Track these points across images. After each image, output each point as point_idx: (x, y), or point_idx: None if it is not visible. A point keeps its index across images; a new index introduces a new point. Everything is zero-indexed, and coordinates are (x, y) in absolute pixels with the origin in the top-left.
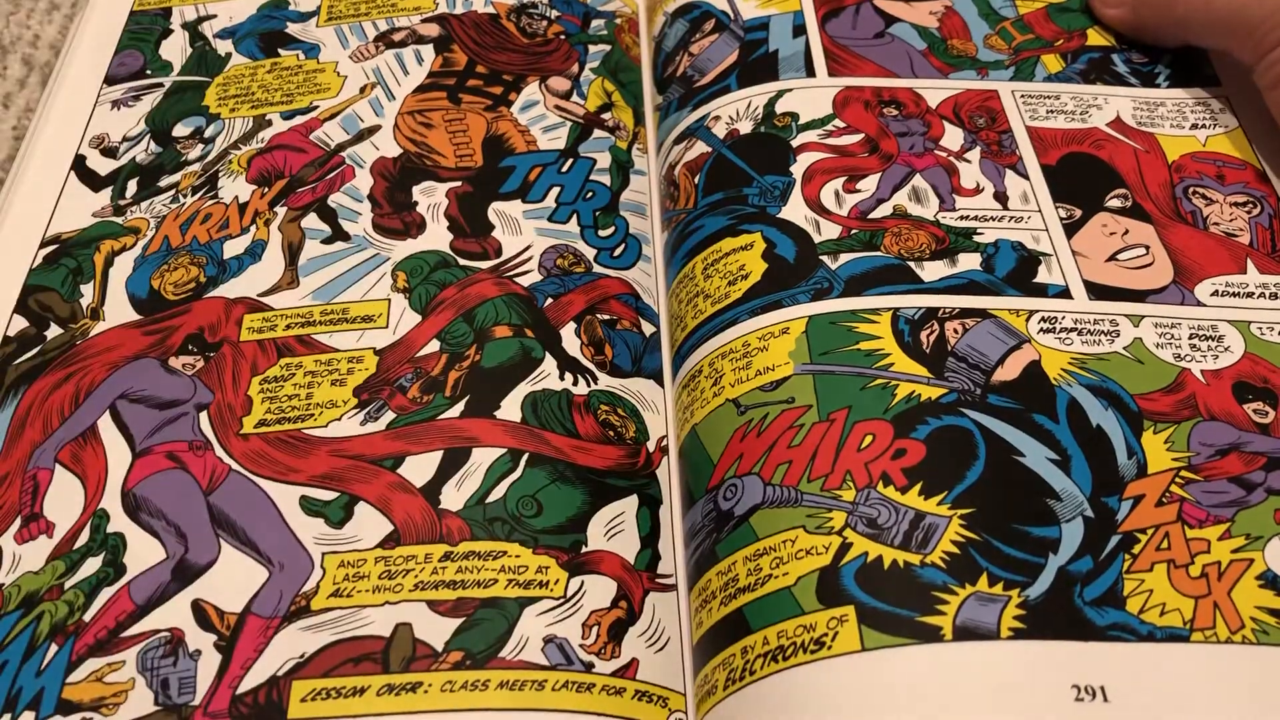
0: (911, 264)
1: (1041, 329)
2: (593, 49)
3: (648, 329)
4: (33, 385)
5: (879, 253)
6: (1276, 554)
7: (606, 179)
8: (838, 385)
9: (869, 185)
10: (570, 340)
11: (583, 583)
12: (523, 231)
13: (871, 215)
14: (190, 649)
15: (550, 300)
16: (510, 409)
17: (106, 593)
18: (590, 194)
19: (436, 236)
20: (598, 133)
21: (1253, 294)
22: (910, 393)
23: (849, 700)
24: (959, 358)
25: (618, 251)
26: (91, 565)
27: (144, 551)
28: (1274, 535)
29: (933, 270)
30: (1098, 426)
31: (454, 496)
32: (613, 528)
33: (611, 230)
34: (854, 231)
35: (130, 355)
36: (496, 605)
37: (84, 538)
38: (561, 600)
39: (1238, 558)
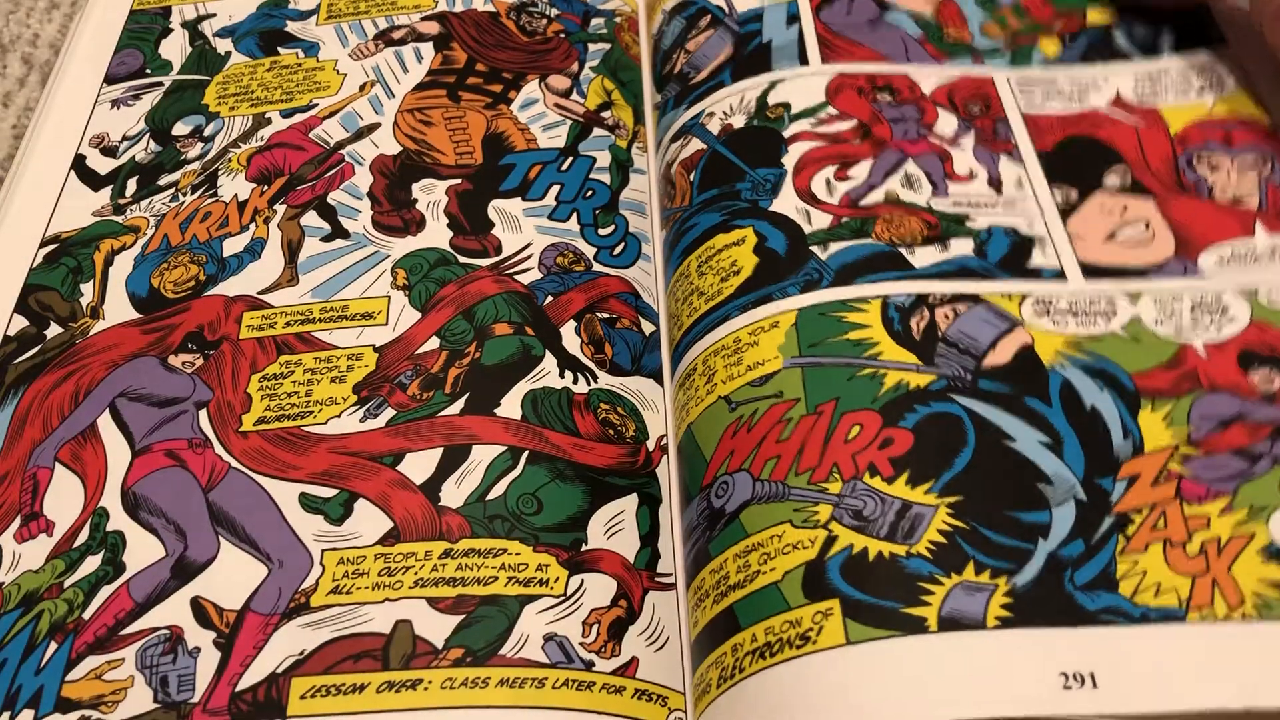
0: (902, 250)
1: (1035, 312)
2: (592, 47)
3: (647, 328)
4: (33, 384)
5: (869, 240)
6: (1272, 511)
7: (606, 177)
8: (826, 377)
9: (861, 172)
10: (570, 338)
11: (583, 581)
12: (522, 229)
13: (863, 202)
14: (189, 646)
15: (550, 298)
16: (510, 407)
17: (106, 591)
18: (590, 192)
19: (436, 234)
20: (597, 131)
21: (1260, 257)
22: (899, 381)
23: (833, 695)
24: (950, 343)
25: (617, 250)
26: (91, 563)
27: (143, 549)
28: (1270, 493)
29: (924, 256)
30: (1092, 408)
31: (454, 494)
32: (613, 526)
33: (611, 229)
34: (844, 220)
35: (130, 354)
36: (496, 603)
37: (83, 536)
38: (561, 598)
39: (1239, 532)
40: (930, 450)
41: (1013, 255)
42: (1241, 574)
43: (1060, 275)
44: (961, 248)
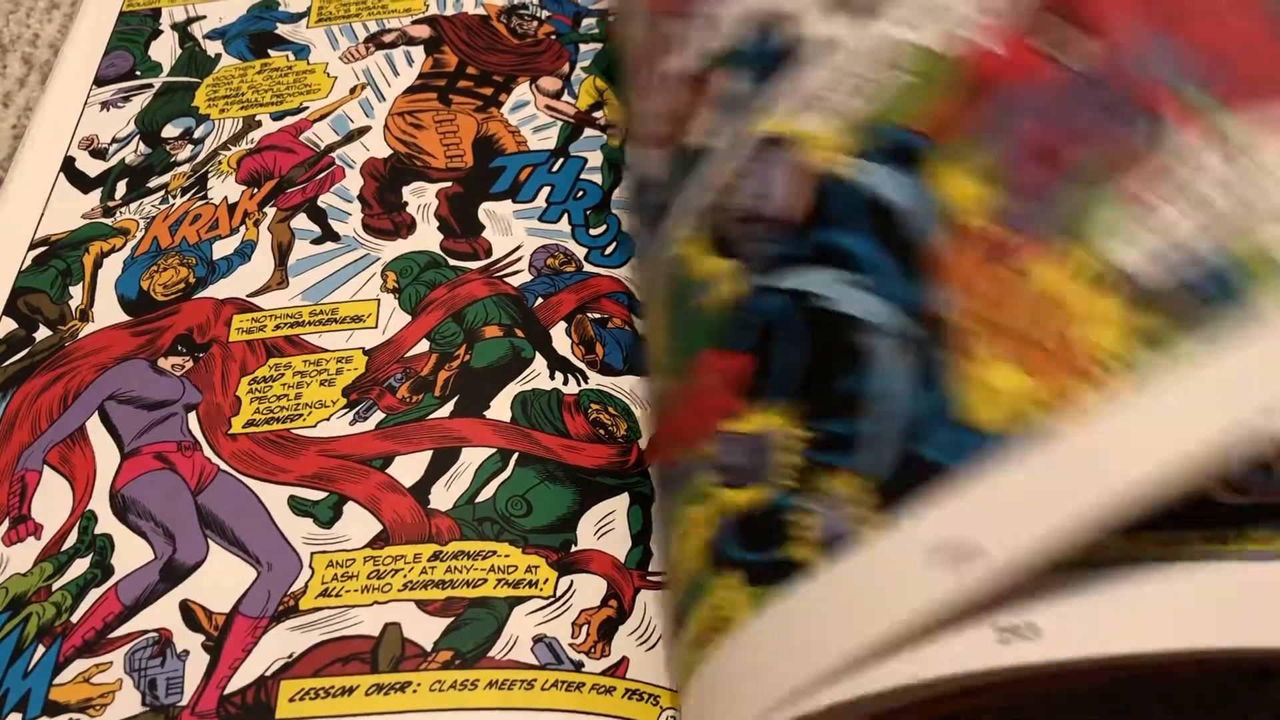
0: (687, 141)
1: (810, 115)
2: (585, 48)
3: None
4: (21, 387)
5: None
6: (1120, 241)
7: (598, 178)
8: (683, 334)
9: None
10: (560, 340)
11: (572, 582)
12: (513, 231)
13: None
14: (178, 649)
15: (540, 300)
16: (500, 409)
17: (94, 594)
18: (581, 193)
19: (426, 237)
20: (589, 132)
21: None
22: (723, 299)
23: (747, 677)
24: (750, 221)
25: (609, 250)
26: (79, 566)
27: (132, 552)
28: (1112, 218)
29: (699, 127)
30: (893, 206)
31: (443, 496)
32: (603, 526)
33: (603, 229)
34: (671, 153)
35: (119, 356)
36: (486, 605)
37: (72, 539)
38: (551, 599)
39: (1083, 276)
40: (764, 363)
41: (776, 56)
42: (1099, 338)
43: (828, 45)
44: (733, 85)
